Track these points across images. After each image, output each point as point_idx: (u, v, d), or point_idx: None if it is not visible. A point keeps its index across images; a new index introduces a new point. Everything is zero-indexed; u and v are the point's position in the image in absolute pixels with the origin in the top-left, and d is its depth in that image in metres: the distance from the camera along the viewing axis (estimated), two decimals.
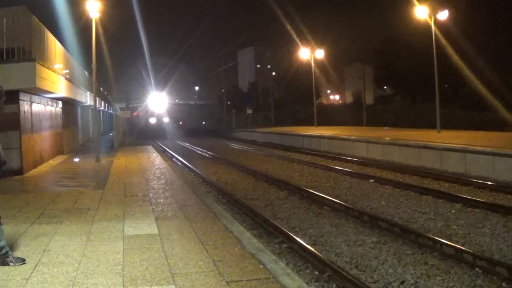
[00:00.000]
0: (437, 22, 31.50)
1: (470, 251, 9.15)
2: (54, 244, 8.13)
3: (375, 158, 26.05)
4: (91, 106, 35.54)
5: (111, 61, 68.37)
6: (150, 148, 34.17)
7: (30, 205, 11.98)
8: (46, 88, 19.06)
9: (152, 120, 65.44)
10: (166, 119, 67.42)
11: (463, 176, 18.56)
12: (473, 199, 13.94)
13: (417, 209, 13.44)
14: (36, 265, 6.99)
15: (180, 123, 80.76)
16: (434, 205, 13.93)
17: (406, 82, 63.11)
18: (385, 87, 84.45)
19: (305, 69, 67.02)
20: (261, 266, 6.94)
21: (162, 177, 17.46)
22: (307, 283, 7.53)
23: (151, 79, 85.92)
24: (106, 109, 68.06)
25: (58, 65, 23.11)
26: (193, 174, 22.54)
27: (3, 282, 6.31)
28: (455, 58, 44.32)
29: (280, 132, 45.84)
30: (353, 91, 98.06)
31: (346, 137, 31.64)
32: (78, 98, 30.20)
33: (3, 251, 6.93)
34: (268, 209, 14.27)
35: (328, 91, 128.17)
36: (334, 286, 7.99)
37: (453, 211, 13.10)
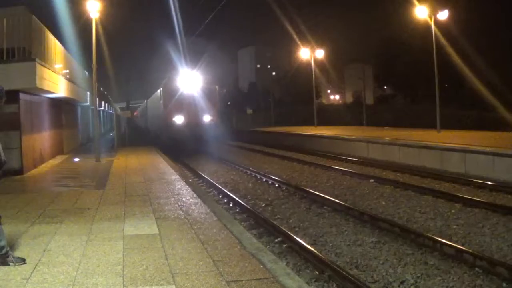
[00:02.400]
0: (437, 22, 31.51)
1: (470, 251, 9.16)
2: (54, 244, 8.14)
3: (375, 158, 26.04)
4: (91, 106, 35.56)
5: (111, 61, 61.00)
6: (151, 148, 34.13)
7: (30, 205, 11.98)
8: (46, 88, 19.05)
9: (179, 119, 33.70)
10: (207, 118, 34.35)
11: (463, 176, 18.56)
12: (473, 199, 13.95)
13: (417, 209, 13.45)
14: (36, 265, 6.99)
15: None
16: (434, 205, 13.93)
17: (406, 82, 63.17)
18: (385, 87, 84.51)
19: (305, 69, 67.09)
20: (261, 266, 6.95)
21: (162, 177, 17.45)
22: (307, 283, 7.54)
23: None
24: (106, 109, 67.61)
25: (58, 65, 23.10)
26: None
27: (4, 282, 6.32)
28: (455, 57, 44.32)
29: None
30: (353, 91, 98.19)
31: (346, 137, 31.63)
32: (78, 98, 30.20)
33: (3, 251, 6.93)
34: (268, 209, 14.30)
35: (328, 91, 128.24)
36: (334, 286, 8.00)
37: (453, 211, 13.11)
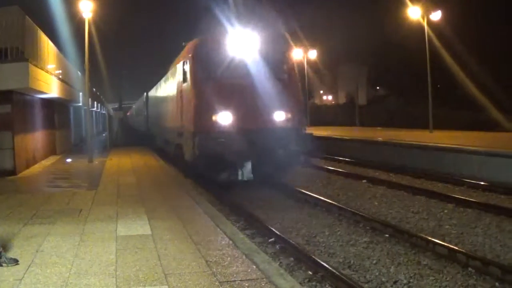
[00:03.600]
0: (430, 23, 31.60)
1: (463, 251, 9.18)
2: (47, 245, 8.12)
3: (368, 158, 26.03)
4: (84, 106, 35.47)
5: (104, 61, 55.86)
6: (144, 149, 34.04)
7: (23, 205, 11.95)
8: (39, 89, 19.01)
9: (223, 118, 16.37)
10: (280, 116, 16.94)
11: (455, 176, 18.59)
12: (466, 199, 13.96)
13: (410, 209, 13.45)
14: (29, 266, 6.98)
15: None
16: (427, 205, 13.94)
17: (400, 82, 63.24)
18: (378, 88, 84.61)
19: (298, 69, 67.06)
20: (254, 267, 6.95)
21: (155, 177, 17.44)
22: (300, 283, 7.54)
23: None
24: (99, 110, 67.28)
25: (51, 66, 23.05)
26: None
27: None
28: (448, 58, 44.40)
29: None
30: (347, 92, 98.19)
31: (339, 137, 31.64)
32: (71, 98, 30.13)
33: None
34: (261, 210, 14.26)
35: (321, 92, 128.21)
36: (327, 286, 7.99)
37: (446, 211, 13.12)
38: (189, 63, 17.50)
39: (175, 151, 21.05)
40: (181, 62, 18.82)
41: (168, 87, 23.94)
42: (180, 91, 19.14)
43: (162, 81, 27.62)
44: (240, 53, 17.00)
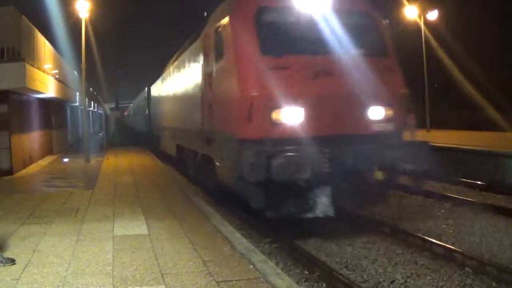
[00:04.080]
0: (426, 22, 31.67)
1: (460, 250, 9.18)
2: (44, 245, 8.11)
3: None
4: (81, 106, 35.41)
5: (101, 61, 56.35)
6: (140, 148, 34.00)
7: (20, 205, 11.93)
8: (35, 88, 18.99)
9: (288, 116, 9.85)
10: (378, 113, 10.77)
11: (452, 176, 18.58)
12: (463, 199, 13.97)
13: (406, 209, 13.46)
14: (26, 266, 6.97)
15: None
16: (424, 204, 13.95)
17: None
18: None
19: None
20: (251, 266, 6.95)
21: (152, 177, 17.42)
22: (297, 282, 7.53)
23: None
24: (95, 109, 67.13)
25: (48, 65, 23.01)
26: None
27: None
28: (445, 58, 44.43)
29: None
30: None
31: None
32: (67, 98, 30.10)
33: None
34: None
35: None
36: (324, 285, 7.99)
37: (442, 210, 13.12)
38: (229, 28, 10.92)
39: (199, 163, 14.84)
40: (212, 30, 12.30)
41: (184, 74, 17.05)
42: (208, 76, 12.60)
43: (172, 67, 20.45)
44: (311, 14, 10.82)
